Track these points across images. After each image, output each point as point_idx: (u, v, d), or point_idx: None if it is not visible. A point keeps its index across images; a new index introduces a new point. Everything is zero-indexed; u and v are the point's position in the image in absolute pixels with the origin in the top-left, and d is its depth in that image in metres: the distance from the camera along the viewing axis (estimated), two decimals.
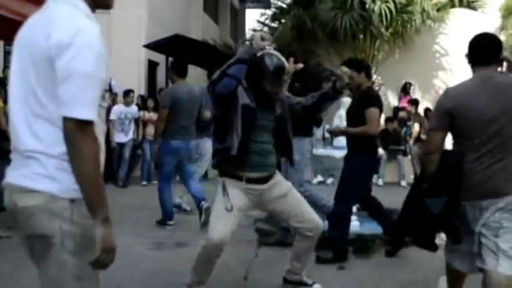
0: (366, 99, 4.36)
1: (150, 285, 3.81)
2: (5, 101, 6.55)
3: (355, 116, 4.42)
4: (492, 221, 2.63)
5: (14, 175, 1.68)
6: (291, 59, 4.35)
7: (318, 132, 10.30)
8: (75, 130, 1.55)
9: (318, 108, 3.40)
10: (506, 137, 2.63)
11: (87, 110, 1.56)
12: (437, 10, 10.97)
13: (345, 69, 3.27)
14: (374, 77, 11.63)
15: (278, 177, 3.39)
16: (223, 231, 3.12)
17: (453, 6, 11.10)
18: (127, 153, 8.78)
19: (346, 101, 5.82)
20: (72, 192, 1.61)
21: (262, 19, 12.75)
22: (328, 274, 3.98)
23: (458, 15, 11.16)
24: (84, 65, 1.57)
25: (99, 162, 1.61)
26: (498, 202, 2.61)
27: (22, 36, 1.74)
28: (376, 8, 10.25)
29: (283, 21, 11.37)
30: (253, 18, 21.86)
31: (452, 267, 2.98)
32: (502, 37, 11.47)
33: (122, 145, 8.76)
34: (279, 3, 12.95)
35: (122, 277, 3.95)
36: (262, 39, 3.01)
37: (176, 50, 11.32)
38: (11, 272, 4.06)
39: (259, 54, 3.18)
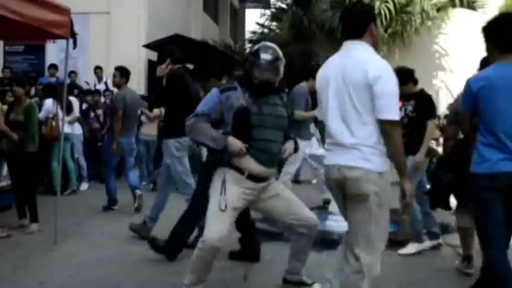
0: None
1: (150, 285, 3.82)
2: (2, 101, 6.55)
3: None
4: None
5: (339, 159, 2.70)
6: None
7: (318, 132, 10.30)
8: (391, 127, 2.61)
9: None
10: None
11: (395, 114, 2.63)
12: (437, 10, 10.97)
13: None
14: None
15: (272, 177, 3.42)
16: (218, 232, 3.10)
17: (453, 6, 11.09)
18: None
19: None
20: (379, 168, 2.63)
21: (262, 20, 12.73)
22: (328, 274, 3.98)
23: (458, 15, 11.16)
24: (390, 88, 2.62)
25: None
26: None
27: (332, 70, 2.77)
28: (375, 8, 10.24)
29: (282, 21, 11.34)
30: (253, 18, 21.88)
31: (463, 226, 4.00)
32: None
33: None
34: (279, 3, 12.96)
35: (122, 277, 3.95)
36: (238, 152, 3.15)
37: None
38: (11, 272, 4.06)
39: (256, 47, 3.34)
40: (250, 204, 3.38)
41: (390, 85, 2.62)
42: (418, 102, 4.66)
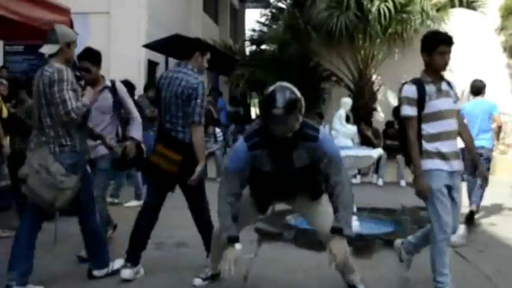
0: None
1: (150, 284, 3.81)
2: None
3: None
4: None
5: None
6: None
7: None
8: None
9: None
10: None
11: None
12: (437, 10, 10.96)
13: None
14: (374, 76, 11.64)
15: None
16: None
17: (453, 6, 11.07)
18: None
19: (347, 101, 5.83)
20: None
21: (262, 19, 12.73)
22: (328, 274, 3.98)
23: (457, 15, 11.14)
24: None
25: None
26: None
27: None
28: (373, 9, 10.23)
29: (280, 21, 11.34)
30: (253, 18, 21.86)
31: None
32: (502, 37, 11.47)
33: None
34: (278, 4, 12.94)
35: None
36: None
37: (176, 50, 11.31)
38: None
39: (271, 88, 2.87)
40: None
41: None
42: None
